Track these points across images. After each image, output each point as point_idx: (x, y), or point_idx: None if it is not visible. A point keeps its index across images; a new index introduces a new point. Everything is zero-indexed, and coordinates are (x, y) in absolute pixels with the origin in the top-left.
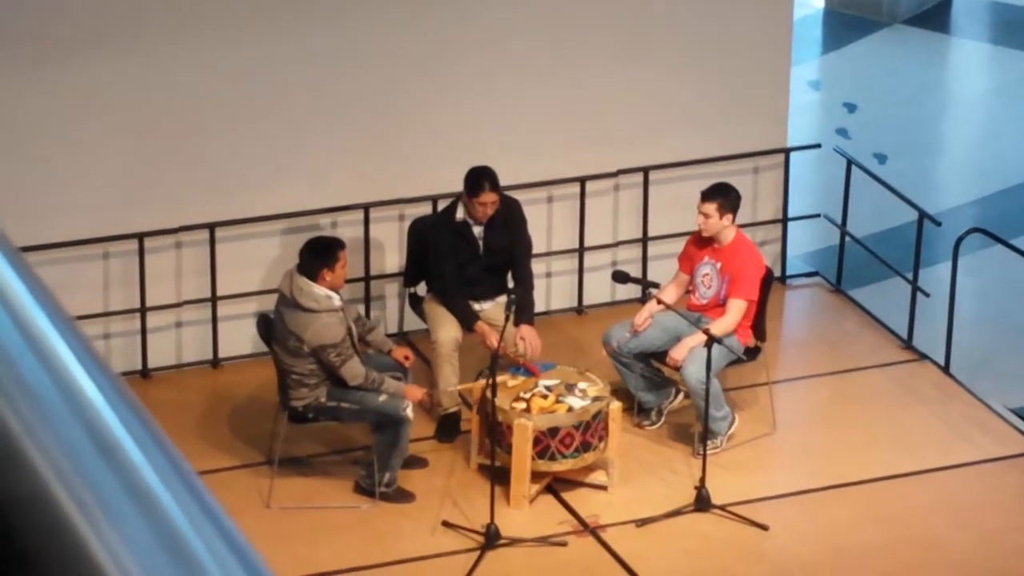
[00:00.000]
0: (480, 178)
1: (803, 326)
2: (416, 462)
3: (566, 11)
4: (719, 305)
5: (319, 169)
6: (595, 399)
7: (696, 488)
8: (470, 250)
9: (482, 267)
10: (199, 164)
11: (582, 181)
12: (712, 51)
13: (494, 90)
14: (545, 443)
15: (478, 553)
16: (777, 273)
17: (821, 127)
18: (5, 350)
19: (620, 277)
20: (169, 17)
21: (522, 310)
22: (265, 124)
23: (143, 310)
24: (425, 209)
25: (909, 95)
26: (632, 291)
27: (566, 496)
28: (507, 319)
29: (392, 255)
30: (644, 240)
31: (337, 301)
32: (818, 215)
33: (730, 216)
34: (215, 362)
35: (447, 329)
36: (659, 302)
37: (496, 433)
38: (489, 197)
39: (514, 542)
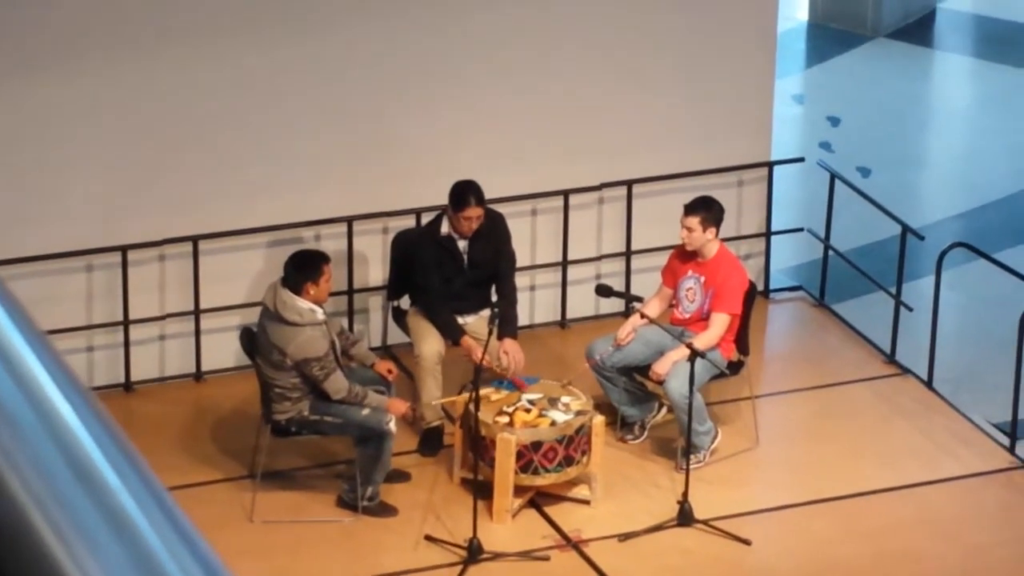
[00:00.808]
0: (465, 193)
1: (786, 340)
2: (399, 476)
3: (551, 25)
4: (702, 319)
5: (303, 182)
6: (578, 413)
7: (679, 503)
8: (455, 264)
9: (466, 281)
10: (183, 177)
11: (566, 194)
12: (696, 65)
13: (478, 103)
14: (528, 457)
15: (461, 567)
16: (760, 287)
17: (805, 141)
18: None
19: (604, 291)
20: (153, 31)
21: (505, 324)
22: (249, 137)
23: (126, 323)
24: (409, 222)
25: (893, 109)
26: (616, 305)
27: (549, 510)
28: (490, 333)
29: (376, 268)
30: (628, 254)
31: (320, 315)
32: (801, 229)
33: (713, 230)
34: (198, 375)
35: (430, 343)
36: (642, 316)
37: (479, 447)
38: (474, 212)
39: (497, 556)
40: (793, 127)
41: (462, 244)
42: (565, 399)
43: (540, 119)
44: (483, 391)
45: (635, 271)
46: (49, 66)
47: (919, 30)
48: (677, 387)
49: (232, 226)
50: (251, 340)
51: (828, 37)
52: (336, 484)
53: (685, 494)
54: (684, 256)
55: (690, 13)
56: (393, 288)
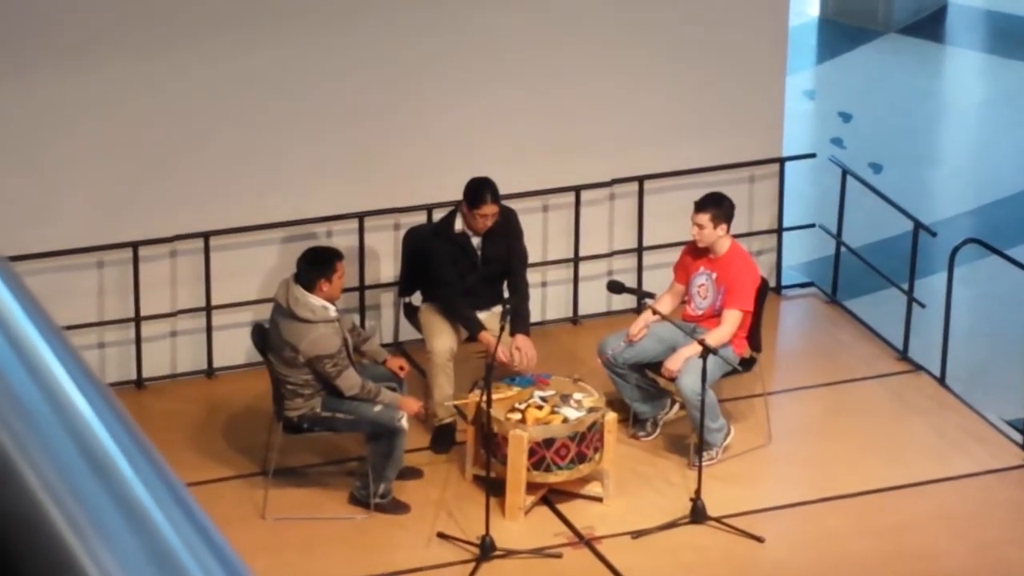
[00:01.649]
0: (482, 190)
1: (798, 337)
2: (411, 473)
3: (561, 21)
4: (714, 315)
5: (314, 178)
6: (590, 410)
7: (691, 500)
8: (468, 261)
9: (479, 277)
10: (193, 173)
11: (577, 190)
12: (707, 61)
13: (489, 99)
14: (540, 454)
15: (473, 564)
16: (772, 283)
17: (816, 137)
18: None
19: (615, 287)
20: (163, 25)
21: (517, 320)
22: (260, 133)
23: (137, 319)
24: (420, 218)
25: (904, 104)
26: (627, 301)
27: (561, 507)
28: (503, 329)
29: (387, 265)
30: (639, 250)
31: (333, 312)
32: (813, 225)
33: (724, 226)
34: (210, 372)
35: (442, 339)
36: (654, 312)
37: (491, 444)
38: (490, 209)
39: (509, 553)
40: (805, 123)
41: (475, 241)
42: (577, 396)
43: (551, 115)
44: (495, 388)
45: (647, 267)
46: (59, 62)
47: (930, 25)
48: (689, 384)
49: (243, 222)
50: (263, 337)
51: (839, 33)
52: (348, 481)
53: (698, 491)
54: (696, 252)
55: (701, 9)
56: (405, 284)
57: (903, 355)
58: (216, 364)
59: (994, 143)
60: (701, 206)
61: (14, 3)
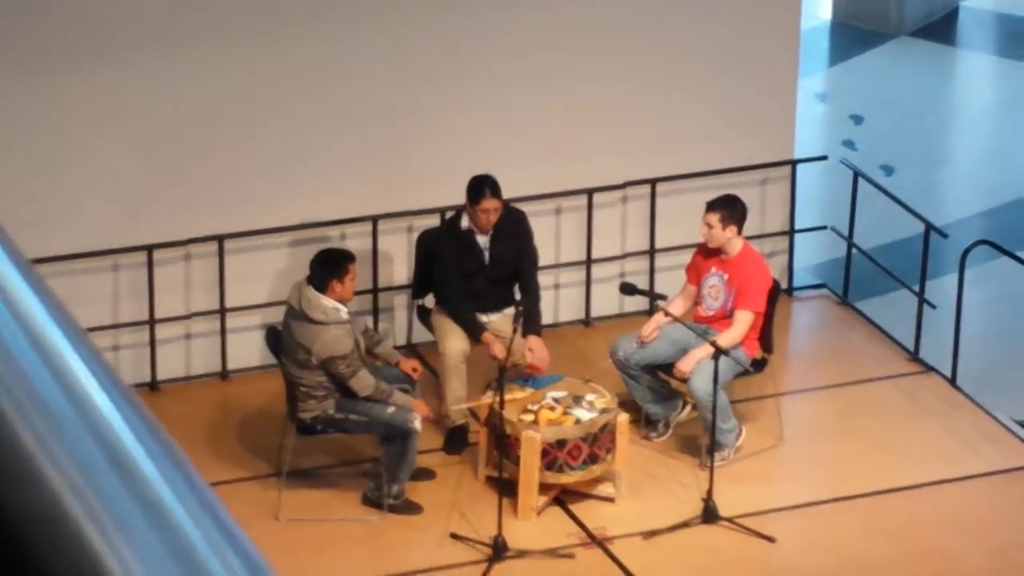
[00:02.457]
0: (481, 185)
1: (810, 338)
2: (424, 474)
3: (574, 23)
4: (726, 317)
5: (327, 181)
6: (603, 411)
7: (703, 500)
8: (475, 260)
9: (488, 279)
10: (208, 176)
11: (589, 193)
12: (719, 63)
13: (502, 101)
14: (553, 455)
15: (486, 565)
16: (784, 285)
17: (828, 139)
18: (18, 364)
19: (628, 289)
20: (177, 28)
21: (529, 322)
22: (273, 136)
23: (152, 322)
24: (433, 221)
25: (916, 107)
26: (640, 303)
27: (574, 508)
28: (515, 331)
29: (400, 267)
30: (652, 252)
31: (345, 313)
32: (825, 227)
33: (734, 228)
34: (224, 374)
35: (455, 341)
36: (666, 314)
37: (504, 445)
38: (491, 204)
39: (522, 554)
40: (816, 125)
41: (482, 240)
42: (590, 397)
43: (564, 118)
44: (508, 389)
45: (659, 269)
46: (74, 66)
47: (942, 28)
48: (701, 385)
49: (257, 225)
50: (276, 339)
51: (851, 35)
52: (362, 482)
53: (710, 492)
54: (708, 253)
55: (714, 11)
56: (418, 286)
57: (914, 356)
58: (230, 366)
59: (1005, 145)
60: (712, 206)
61: (33, 8)
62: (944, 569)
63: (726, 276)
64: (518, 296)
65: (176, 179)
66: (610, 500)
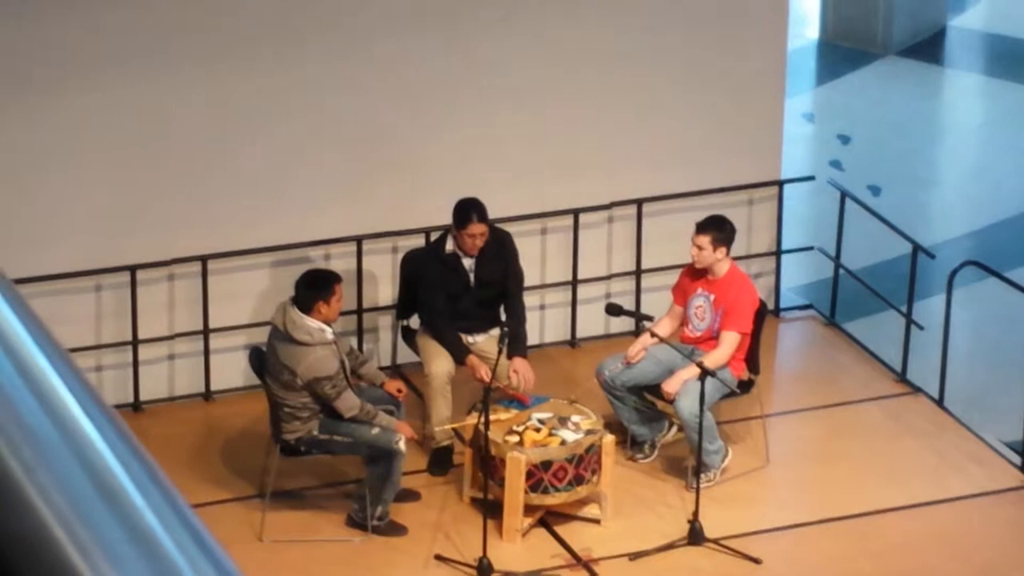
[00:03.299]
0: (468, 210)
1: (797, 359)
2: (409, 495)
3: (560, 44)
4: (712, 338)
5: (312, 201)
6: (588, 432)
7: (689, 521)
8: (460, 282)
9: (474, 300)
10: (191, 196)
11: (575, 213)
12: (706, 83)
13: (487, 122)
14: (538, 476)
15: None
16: (771, 306)
17: (815, 159)
18: (3, 390)
19: (614, 310)
20: (161, 50)
21: (515, 343)
22: (257, 156)
23: (135, 343)
24: (418, 241)
25: (903, 127)
26: (626, 324)
27: (559, 529)
28: (500, 352)
29: (385, 288)
30: (638, 272)
31: (330, 334)
32: (812, 248)
33: (724, 249)
34: (207, 395)
35: (440, 362)
36: (653, 335)
37: (489, 466)
38: (478, 228)
39: None
40: (803, 145)
41: (468, 262)
42: (575, 418)
43: (549, 138)
44: (492, 411)
45: (645, 290)
46: (60, 86)
47: (929, 48)
48: (687, 406)
49: (241, 245)
50: (260, 359)
51: (838, 55)
52: (346, 504)
53: (695, 513)
54: (694, 274)
55: (701, 32)
56: (402, 307)
57: (901, 377)
58: (214, 387)
59: (993, 165)
60: (702, 228)
61: (14, 29)
62: None
63: (713, 297)
64: (504, 317)
65: (159, 199)
66: (595, 521)
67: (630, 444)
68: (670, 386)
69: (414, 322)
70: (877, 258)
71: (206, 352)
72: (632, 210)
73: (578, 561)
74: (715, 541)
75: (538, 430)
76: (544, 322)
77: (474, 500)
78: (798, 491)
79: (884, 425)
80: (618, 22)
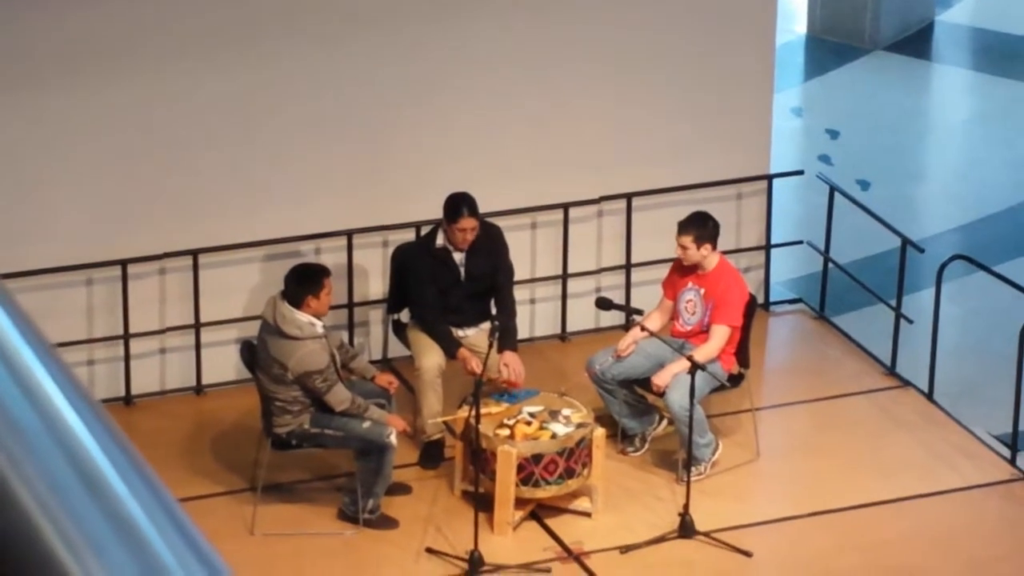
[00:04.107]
0: (459, 204)
1: (786, 353)
2: (400, 489)
3: (550, 39)
4: (702, 331)
5: (302, 196)
6: (579, 425)
7: (680, 514)
8: (451, 276)
9: (464, 294)
10: (182, 190)
11: (565, 207)
12: (695, 78)
13: (478, 117)
14: (529, 470)
15: None
16: (760, 300)
17: (804, 154)
18: None
19: (604, 304)
20: (152, 44)
21: (505, 337)
22: (248, 150)
23: (126, 337)
24: (409, 236)
25: (891, 122)
26: (616, 318)
27: (550, 522)
28: (491, 346)
29: (376, 282)
30: (627, 267)
31: (320, 328)
32: (801, 242)
33: (708, 246)
34: (198, 389)
35: (431, 356)
36: (643, 329)
37: (480, 460)
38: (468, 223)
39: (498, 569)
40: (792, 140)
41: (458, 256)
42: (566, 411)
43: (540, 133)
44: (483, 404)
45: (635, 284)
46: (49, 81)
47: (917, 43)
48: (678, 399)
49: (232, 240)
50: (251, 353)
51: (826, 50)
52: (337, 497)
53: (686, 506)
54: (684, 268)
55: (689, 26)
56: (393, 301)
57: (891, 371)
58: (205, 381)
59: (981, 160)
60: (684, 227)
61: (9, 24)
62: None
63: (703, 291)
64: (494, 311)
65: (150, 193)
66: (586, 515)
67: (621, 437)
68: (660, 379)
69: (405, 316)
70: (866, 252)
71: (197, 346)
72: (622, 204)
73: (569, 554)
74: (706, 534)
75: (529, 423)
76: (534, 316)
77: (465, 493)
78: (788, 484)
79: (874, 418)
80: (607, 18)
